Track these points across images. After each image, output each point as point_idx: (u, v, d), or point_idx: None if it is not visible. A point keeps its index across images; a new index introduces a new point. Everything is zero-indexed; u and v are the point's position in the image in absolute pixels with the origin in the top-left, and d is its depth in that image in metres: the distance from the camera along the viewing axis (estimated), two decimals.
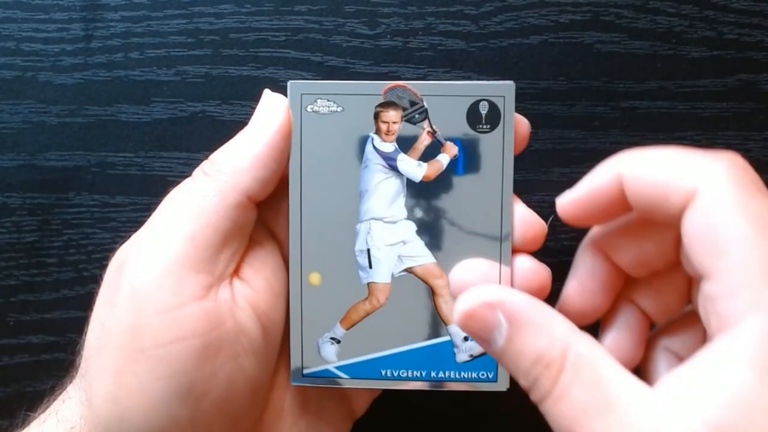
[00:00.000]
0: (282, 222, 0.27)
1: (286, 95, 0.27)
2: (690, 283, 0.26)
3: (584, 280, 0.27)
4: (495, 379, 0.27)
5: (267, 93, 0.27)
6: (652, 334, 0.28)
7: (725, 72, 0.34)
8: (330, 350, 0.27)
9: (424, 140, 0.27)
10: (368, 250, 0.27)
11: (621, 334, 0.27)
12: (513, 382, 0.27)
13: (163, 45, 0.34)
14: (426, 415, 0.34)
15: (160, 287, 0.23)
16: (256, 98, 0.27)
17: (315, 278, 0.27)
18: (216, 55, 0.34)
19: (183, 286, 0.24)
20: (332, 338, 0.27)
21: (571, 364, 0.21)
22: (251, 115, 0.27)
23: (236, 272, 0.26)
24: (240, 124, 0.27)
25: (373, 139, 0.27)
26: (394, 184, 0.27)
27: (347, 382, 0.27)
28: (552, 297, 0.27)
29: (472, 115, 0.26)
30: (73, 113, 0.34)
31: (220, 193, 0.25)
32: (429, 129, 0.27)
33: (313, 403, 0.29)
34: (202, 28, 0.34)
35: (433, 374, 0.27)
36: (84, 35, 0.34)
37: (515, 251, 0.27)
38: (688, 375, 0.21)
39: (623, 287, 0.28)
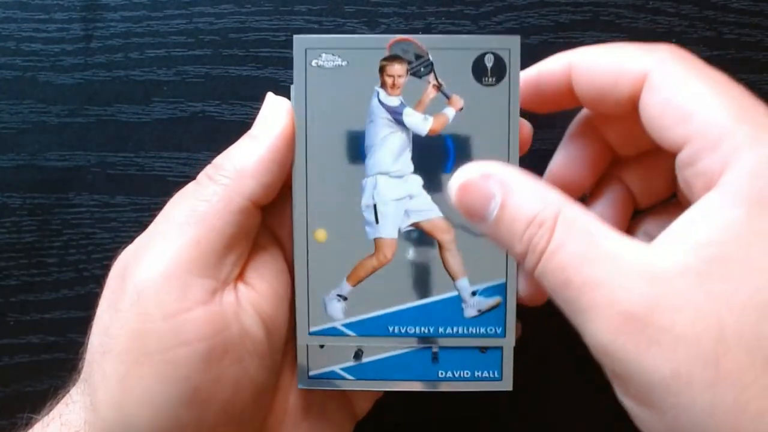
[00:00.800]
0: (286, 226, 0.27)
1: (287, 96, 0.27)
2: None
3: (572, 152, 0.28)
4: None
5: (270, 96, 0.27)
6: (634, 220, 0.29)
7: (725, 72, 0.34)
8: (337, 307, 0.27)
9: (430, 93, 0.26)
10: (375, 205, 0.27)
11: (606, 208, 0.28)
12: (517, 383, 0.27)
13: (163, 45, 0.34)
14: (427, 416, 0.34)
15: (165, 292, 0.23)
16: (256, 98, 0.27)
17: (321, 235, 0.27)
18: (216, 55, 0.34)
19: (188, 291, 0.24)
20: (339, 295, 0.27)
21: (564, 220, 0.22)
22: (251, 115, 0.27)
23: (241, 276, 0.26)
24: (240, 124, 0.27)
25: (378, 93, 0.26)
26: (400, 139, 0.27)
27: (354, 340, 0.27)
28: None
29: (478, 68, 0.26)
30: (73, 113, 0.34)
31: (225, 197, 0.25)
32: (435, 82, 0.26)
33: (316, 406, 0.29)
34: (202, 28, 0.34)
35: (441, 330, 0.27)
36: (84, 35, 0.34)
37: None
38: (680, 223, 0.21)
39: (612, 166, 0.28)
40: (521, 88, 0.26)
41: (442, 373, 0.27)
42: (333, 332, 0.27)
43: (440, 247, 0.27)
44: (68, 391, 0.26)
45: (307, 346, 0.27)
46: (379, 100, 0.26)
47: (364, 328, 0.27)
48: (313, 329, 0.27)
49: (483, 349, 0.27)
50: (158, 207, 0.26)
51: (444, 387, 0.28)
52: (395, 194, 0.27)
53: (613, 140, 0.27)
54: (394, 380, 0.27)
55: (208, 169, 0.26)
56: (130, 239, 0.26)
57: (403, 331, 0.27)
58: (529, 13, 0.34)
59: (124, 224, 0.34)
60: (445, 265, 0.27)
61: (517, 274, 0.27)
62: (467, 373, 0.27)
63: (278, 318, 0.26)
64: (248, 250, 0.26)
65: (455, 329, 0.27)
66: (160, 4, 0.34)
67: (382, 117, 0.26)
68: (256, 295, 0.26)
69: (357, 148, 0.27)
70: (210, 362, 0.24)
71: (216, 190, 0.25)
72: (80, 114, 0.34)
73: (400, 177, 0.27)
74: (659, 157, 0.27)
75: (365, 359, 0.27)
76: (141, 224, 0.26)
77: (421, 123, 0.26)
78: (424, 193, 0.27)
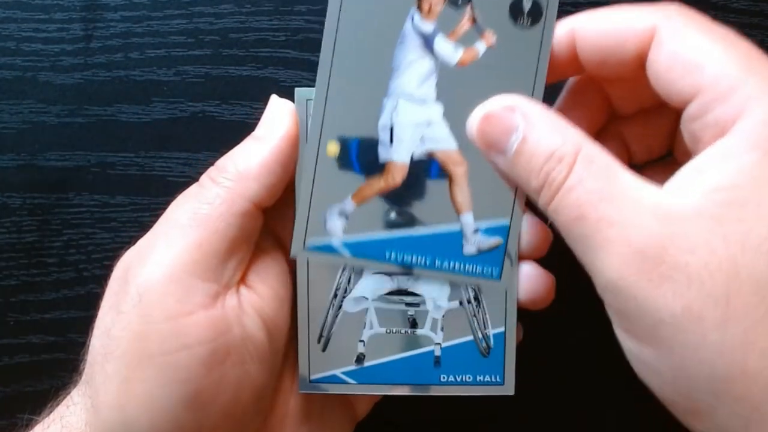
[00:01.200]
0: (288, 228, 0.27)
1: (289, 97, 0.27)
2: (675, 129, 0.27)
3: (571, 106, 0.28)
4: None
5: (274, 98, 0.27)
6: None
7: None
8: (336, 224, 0.27)
9: (465, 25, 0.26)
10: (392, 127, 0.26)
11: None
12: (519, 387, 0.27)
13: (163, 45, 0.34)
14: (427, 417, 0.34)
15: (168, 295, 0.23)
16: (256, 98, 0.27)
17: (333, 148, 0.26)
18: (216, 55, 0.34)
19: (190, 294, 0.24)
20: (341, 212, 0.27)
21: (584, 157, 0.22)
22: (251, 115, 0.27)
23: (243, 279, 0.26)
24: (240, 124, 0.27)
25: (413, 16, 0.26)
26: (428, 65, 0.26)
27: (349, 261, 0.27)
28: None
29: (515, 8, 0.26)
30: (73, 113, 0.34)
31: (227, 200, 0.25)
32: (471, 14, 0.26)
33: (317, 407, 0.29)
34: (202, 28, 0.34)
35: (437, 262, 0.27)
36: (84, 35, 0.34)
37: (520, 258, 0.27)
38: (692, 168, 0.21)
39: (609, 121, 0.29)
40: None
41: (443, 377, 0.27)
42: (329, 249, 0.27)
43: (450, 179, 0.27)
44: (69, 393, 0.26)
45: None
46: (413, 23, 0.26)
47: (361, 250, 0.27)
48: (309, 243, 0.26)
49: (485, 353, 0.27)
50: (158, 207, 0.26)
51: (445, 391, 0.27)
52: (414, 119, 0.26)
53: (614, 98, 0.28)
54: (396, 384, 0.27)
55: (211, 171, 0.26)
56: (130, 239, 0.26)
57: (399, 258, 0.27)
58: None
59: (124, 224, 0.34)
60: (452, 198, 0.27)
61: (515, 267, 0.27)
62: (469, 377, 0.27)
63: (280, 321, 0.26)
64: (250, 253, 0.26)
65: (452, 264, 0.27)
66: (160, 4, 0.34)
67: (413, 41, 0.26)
68: (258, 298, 0.26)
69: (383, 68, 0.26)
70: (211, 365, 0.23)
71: (218, 192, 0.25)
72: (80, 114, 0.34)
73: (422, 102, 0.26)
74: (659, 115, 0.27)
75: (367, 363, 0.27)
76: (141, 224, 0.26)
77: (451, 52, 0.26)
78: (443, 122, 0.26)
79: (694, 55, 0.22)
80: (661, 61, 0.23)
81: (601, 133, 0.29)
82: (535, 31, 0.26)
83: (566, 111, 0.28)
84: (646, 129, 0.28)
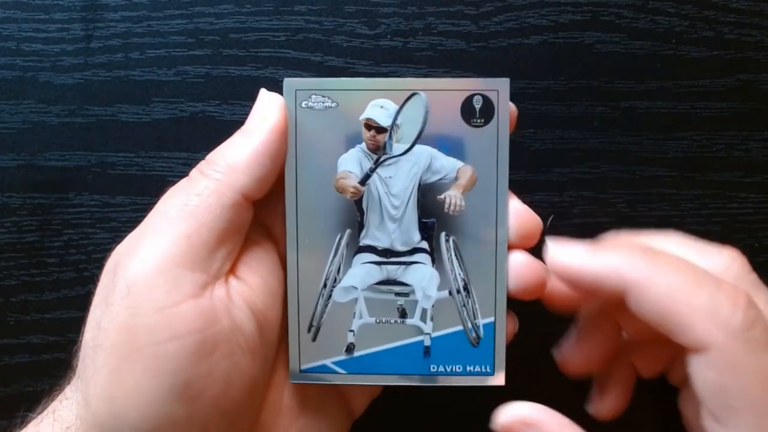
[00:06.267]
0: (279, 220, 0.27)
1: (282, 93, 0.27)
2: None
3: (587, 330, 0.30)
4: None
5: (263, 92, 0.27)
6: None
7: (725, 72, 0.34)
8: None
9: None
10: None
11: (614, 390, 0.31)
12: (512, 380, 0.27)
13: (163, 45, 0.34)
14: (424, 415, 0.34)
15: (156, 286, 0.23)
16: (256, 98, 0.27)
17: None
18: (216, 55, 0.34)
19: (178, 285, 0.24)
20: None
21: None
22: None
23: (232, 270, 0.26)
24: (240, 124, 0.27)
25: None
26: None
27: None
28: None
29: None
30: (73, 113, 0.34)
31: (216, 192, 0.25)
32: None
33: (312, 402, 0.29)
34: (202, 28, 0.34)
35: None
36: (84, 35, 0.34)
37: (510, 247, 0.27)
38: None
39: (620, 348, 0.30)
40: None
41: (434, 368, 0.27)
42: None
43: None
44: (63, 390, 0.26)
45: (299, 340, 0.27)
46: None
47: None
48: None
49: (475, 343, 0.27)
50: None
51: (436, 381, 0.28)
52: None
53: (630, 331, 0.29)
54: (386, 374, 0.27)
55: (201, 165, 0.26)
56: None
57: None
58: (529, 13, 0.34)
59: (124, 224, 0.34)
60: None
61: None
62: (459, 368, 0.27)
63: (271, 313, 0.26)
64: (240, 245, 0.26)
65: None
66: (160, 4, 0.34)
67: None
68: (248, 289, 0.26)
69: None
70: (200, 356, 0.23)
71: (207, 184, 0.25)
72: (80, 114, 0.34)
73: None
74: (668, 347, 0.28)
75: (357, 353, 0.27)
76: None
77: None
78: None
79: (733, 397, 0.23)
80: (705, 379, 0.24)
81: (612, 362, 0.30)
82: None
83: (584, 338, 0.30)
84: (654, 357, 0.30)
